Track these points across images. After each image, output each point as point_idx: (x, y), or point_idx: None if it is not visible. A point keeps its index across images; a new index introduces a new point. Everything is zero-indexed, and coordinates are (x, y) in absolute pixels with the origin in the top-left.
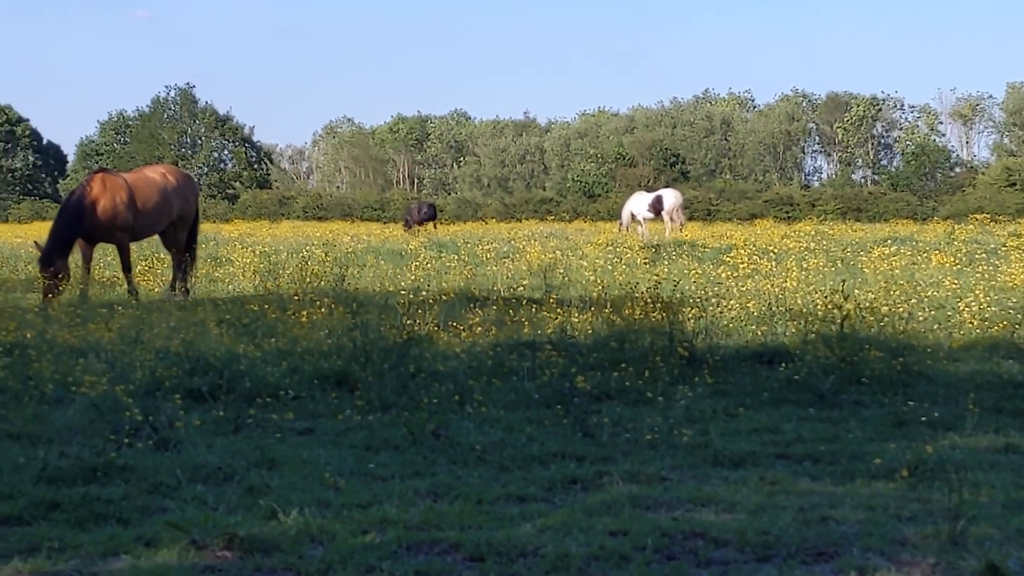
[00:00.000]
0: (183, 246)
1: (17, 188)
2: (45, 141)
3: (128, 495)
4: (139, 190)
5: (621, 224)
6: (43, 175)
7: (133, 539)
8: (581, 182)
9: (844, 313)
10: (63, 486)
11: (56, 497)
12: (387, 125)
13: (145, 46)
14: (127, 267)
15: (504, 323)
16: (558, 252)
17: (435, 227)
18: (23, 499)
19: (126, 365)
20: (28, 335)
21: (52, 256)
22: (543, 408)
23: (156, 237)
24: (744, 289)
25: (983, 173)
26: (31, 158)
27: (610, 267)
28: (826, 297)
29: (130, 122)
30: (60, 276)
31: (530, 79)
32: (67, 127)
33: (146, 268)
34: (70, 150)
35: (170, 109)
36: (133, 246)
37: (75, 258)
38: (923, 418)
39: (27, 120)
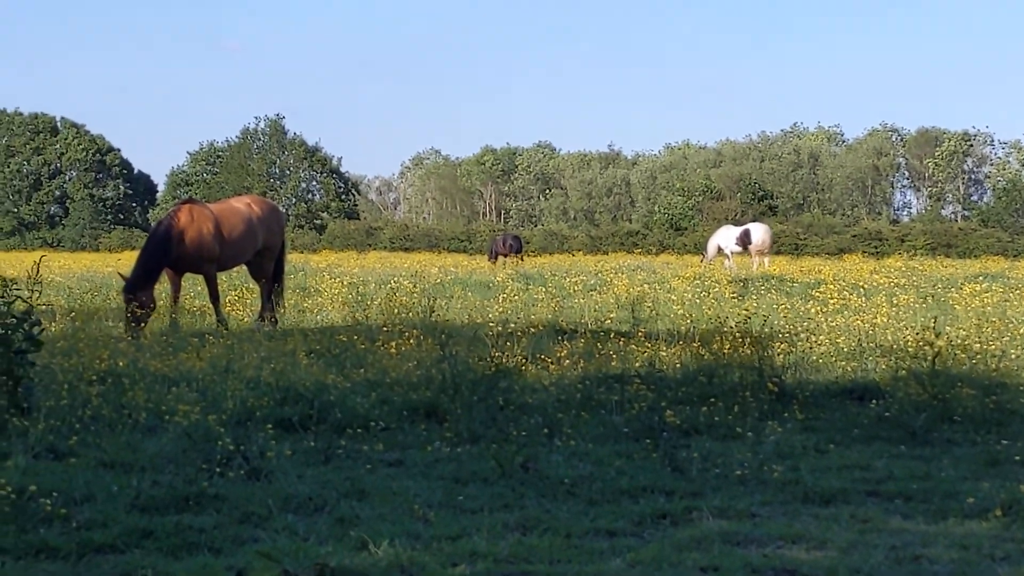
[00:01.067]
0: (271, 276)
1: (108, 217)
2: (136, 171)
3: (220, 524)
4: (225, 220)
5: (705, 256)
6: (133, 204)
7: (225, 568)
8: (668, 215)
9: (936, 350)
10: (156, 514)
11: (149, 525)
12: (474, 157)
13: (235, 77)
14: (215, 297)
15: (592, 356)
16: (645, 285)
17: (521, 259)
18: (116, 527)
19: (217, 394)
20: (120, 364)
21: (135, 285)
22: (632, 442)
23: (243, 268)
24: (834, 324)
25: None
26: (122, 187)
27: (698, 301)
28: (917, 334)
29: (220, 152)
30: (147, 306)
31: (615, 111)
32: (158, 157)
33: (235, 298)
34: (160, 180)
35: (259, 140)
36: (222, 276)
37: (164, 288)
38: (1017, 457)
39: (118, 150)
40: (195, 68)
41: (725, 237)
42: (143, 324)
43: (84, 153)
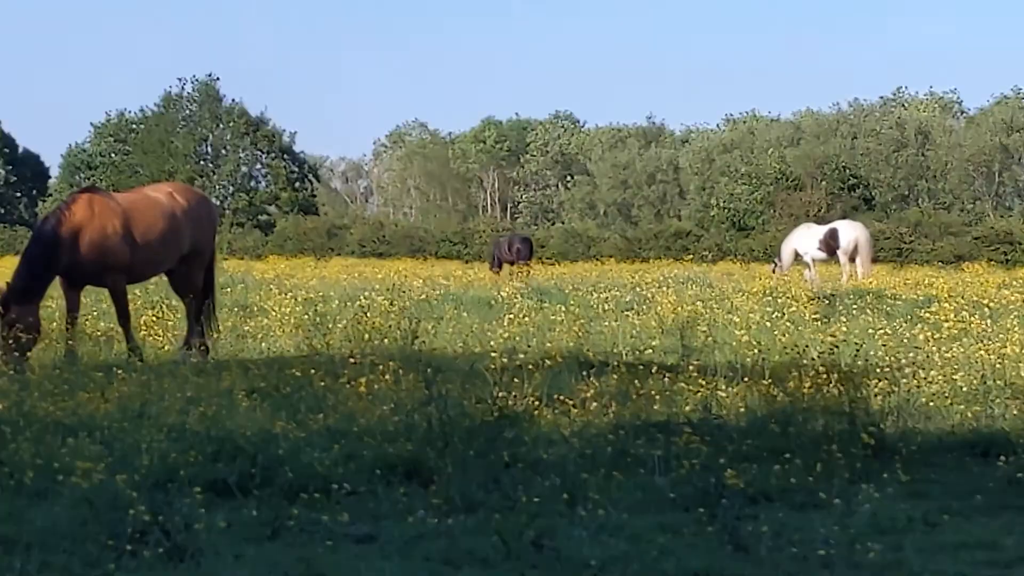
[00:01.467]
0: (200, 290)
1: None
2: (21, 150)
3: None
4: (138, 216)
5: (779, 265)
6: (17, 194)
7: None
8: (729, 210)
9: None
10: None
11: None
12: (471, 132)
13: (154, 28)
14: (124, 317)
15: (628, 397)
16: (699, 303)
17: (530, 267)
18: None
19: (129, 447)
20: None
21: (13, 301)
22: (680, 511)
23: (163, 279)
24: (949, 356)
25: None
26: (1, 171)
27: (769, 324)
28: None
29: (133, 125)
30: (31, 329)
31: (658, 73)
32: (50, 131)
33: (153, 319)
34: (53, 161)
35: (186, 109)
36: (135, 289)
37: (59, 304)
38: None
39: None
40: (101, 16)
41: (805, 239)
42: (26, 353)
43: None
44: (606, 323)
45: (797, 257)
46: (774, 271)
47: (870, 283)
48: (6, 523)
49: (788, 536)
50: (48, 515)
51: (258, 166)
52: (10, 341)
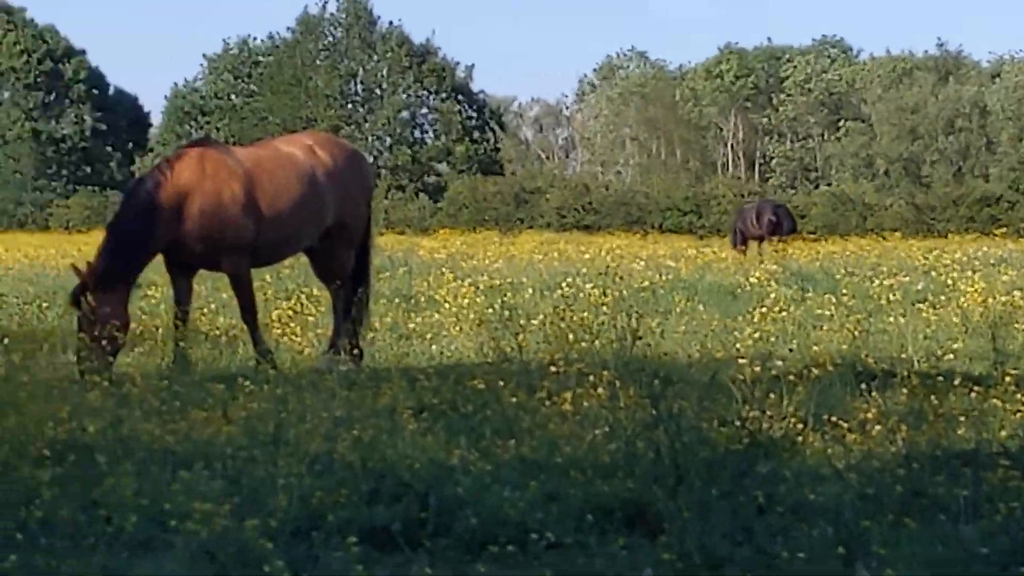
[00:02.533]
0: (349, 275)
1: (64, 172)
2: (112, 91)
3: None
4: (265, 177)
5: None
6: (108, 148)
7: None
8: None
9: None
10: None
11: None
12: (705, 64)
13: None
14: (249, 312)
15: (923, 419)
16: (1017, 293)
17: (783, 243)
18: None
19: (259, 484)
20: (90, 428)
21: (91, 287)
22: (997, 570)
23: (302, 259)
24: None
25: None
26: (87, 119)
27: None
28: None
29: (260, 58)
30: (122, 323)
31: None
32: (151, 65)
33: (289, 314)
34: (156, 105)
35: (328, 35)
36: (263, 274)
37: (166, 295)
38: None
39: (82, 54)
40: None
41: None
42: (110, 357)
43: (23, 56)
44: (891, 319)
45: None
46: None
47: None
48: None
49: None
50: (157, 572)
51: (424, 110)
52: (90, 341)
